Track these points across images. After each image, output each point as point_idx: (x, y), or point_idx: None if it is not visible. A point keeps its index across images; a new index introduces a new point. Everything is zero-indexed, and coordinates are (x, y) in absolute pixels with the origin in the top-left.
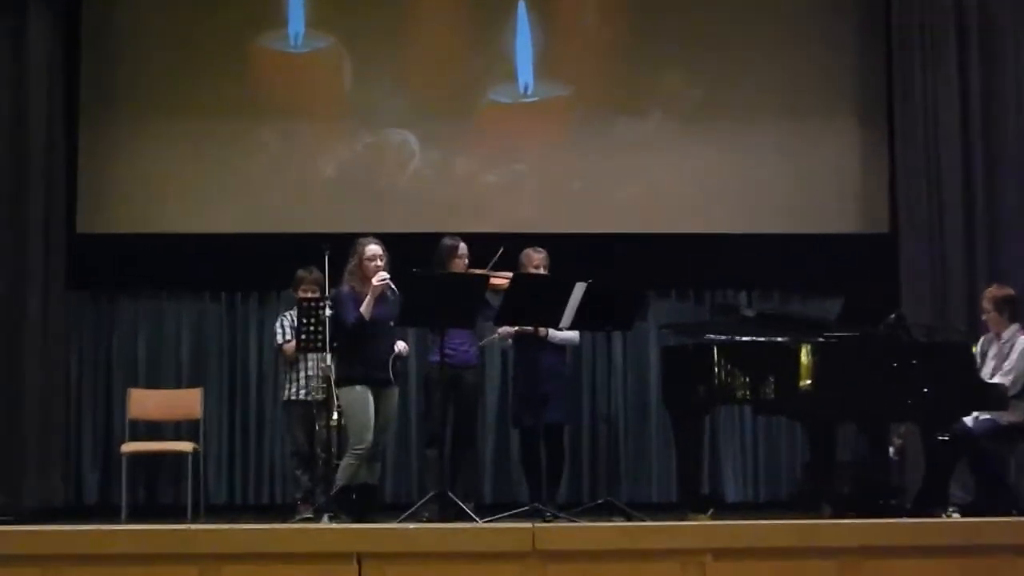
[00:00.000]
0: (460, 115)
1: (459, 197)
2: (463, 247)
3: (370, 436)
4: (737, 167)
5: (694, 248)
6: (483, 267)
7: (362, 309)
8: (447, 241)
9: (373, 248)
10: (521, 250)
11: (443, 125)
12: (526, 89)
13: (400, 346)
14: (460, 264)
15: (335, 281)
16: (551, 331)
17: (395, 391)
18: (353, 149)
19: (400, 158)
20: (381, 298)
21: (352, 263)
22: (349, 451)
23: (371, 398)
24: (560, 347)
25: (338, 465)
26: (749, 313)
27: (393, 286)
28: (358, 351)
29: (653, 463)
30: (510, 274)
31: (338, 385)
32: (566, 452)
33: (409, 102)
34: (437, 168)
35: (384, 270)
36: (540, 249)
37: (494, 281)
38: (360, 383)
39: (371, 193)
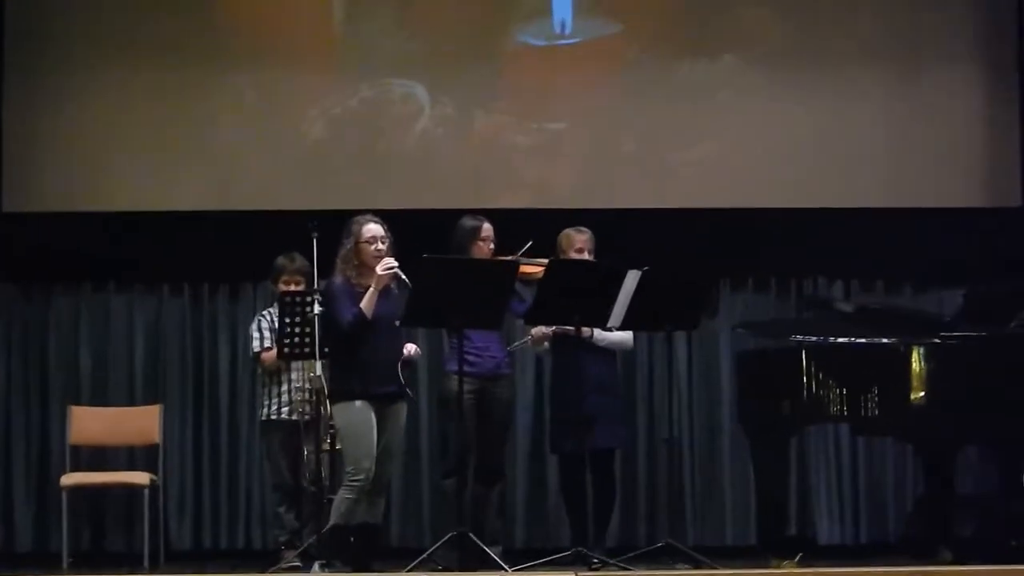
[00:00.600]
0: (480, 60)
1: (479, 164)
2: (488, 227)
3: (370, 464)
4: (830, 126)
5: (776, 227)
6: (510, 256)
7: (362, 305)
8: (467, 221)
9: (372, 228)
10: (559, 230)
11: (459, 73)
12: (563, 27)
13: (410, 349)
14: (484, 249)
15: (325, 271)
16: (597, 332)
17: (403, 407)
18: (346, 104)
19: (405, 115)
20: (385, 291)
21: (346, 248)
22: (345, 483)
23: (373, 417)
24: (609, 352)
25: (331, 500)
26: (846, 308)
27: (403, 276)
28: (357, 358)
29: (726, 496)
30: (545, 261)
31: (333, 400)
32: (617, 484)
33: (416, 44)
34: (451, 127)
35: (387, 255)
36: (583, 229)
37: (525, 269)
38: (360, 398)
39: (369, 160)
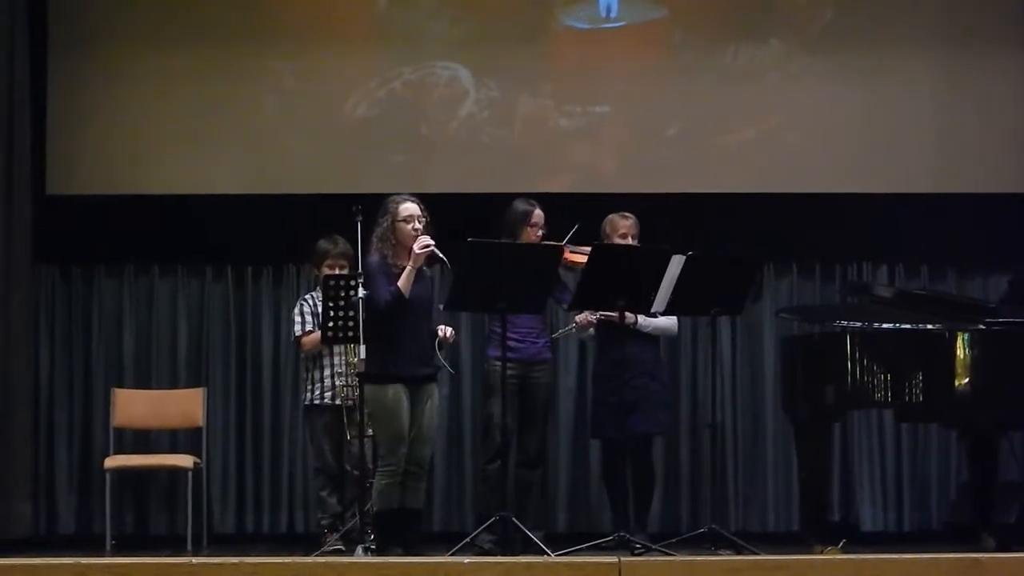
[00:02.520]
0: (525, 43)
1: (523, 147)
2: (539, 214)
3: (403, 448)
4: (876, 110)
5: (821, 212)
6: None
7: (400, 283)
8: (520, 204)
9: (410, 207)
10: (602, 214)
11: (503, 56)
12: (609, 10)
13: (445, 331)
14: (533, 235)
15: (369, 254)
16: (641, 318)
17: (435, 388)
18: (390, 87)
19: (450, 98)
20: (419, 273)
21: (383, 227)
22: (378, 468)
23: (407, 401)
24: (653, 339)
25: (373, 484)
26: (885, 293)
27: (442, 255)
28: (392, 340)
29: (769, 483)
30: (588, 248)
31: (367, 382)
32: (656, 470)
33: (461, 27)
34: (496, 111)
35: (426, 233)
36: (628, 215)
37: (569, 256)
38: (394, 381)
39: (413, 143)
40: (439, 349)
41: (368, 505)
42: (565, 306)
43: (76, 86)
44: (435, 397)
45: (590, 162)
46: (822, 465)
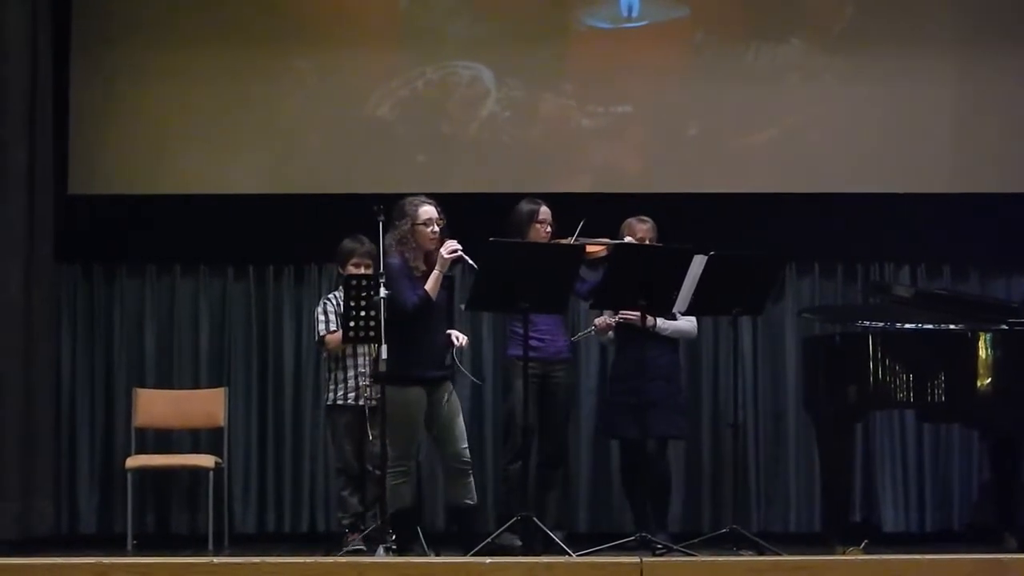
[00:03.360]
0: (547, 43)
1: (544, 147)
2: (545, 211)
3: (414, 450)
4: (897, 110)
5: (843, 212)
6: (566, 238)
7: (428, 287)
8: (524, 205)
9: (429, 210)
10: (623, 214)
11: (525, 56)
12: (630, 10)
13: (460, 339)
14: (541, 232)
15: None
16: (660, 321)
17: (449, 386)
18: (411, 87)
19: (471, 98)
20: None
21: (402, 229)
22: (390, 469)
23: (425, 402)
24: (671, 341)
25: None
26: (907, 293)
27: (468, 258)
28: (413, 342)
29: (791, 483)
30: (605, 240)
31: (388, 383)
32: (674, 472)
33: (482, 26)
34: (518, 110)
35: (441, 239)
36: (645, 219)
37: (589, 248)
38: (414, 383)
39: (434, 143)
40: (456, 357)
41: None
42: (582, 300)
43: (98, 85)
44: (452, 392)
45: (611, 162)
46: (844, 465)
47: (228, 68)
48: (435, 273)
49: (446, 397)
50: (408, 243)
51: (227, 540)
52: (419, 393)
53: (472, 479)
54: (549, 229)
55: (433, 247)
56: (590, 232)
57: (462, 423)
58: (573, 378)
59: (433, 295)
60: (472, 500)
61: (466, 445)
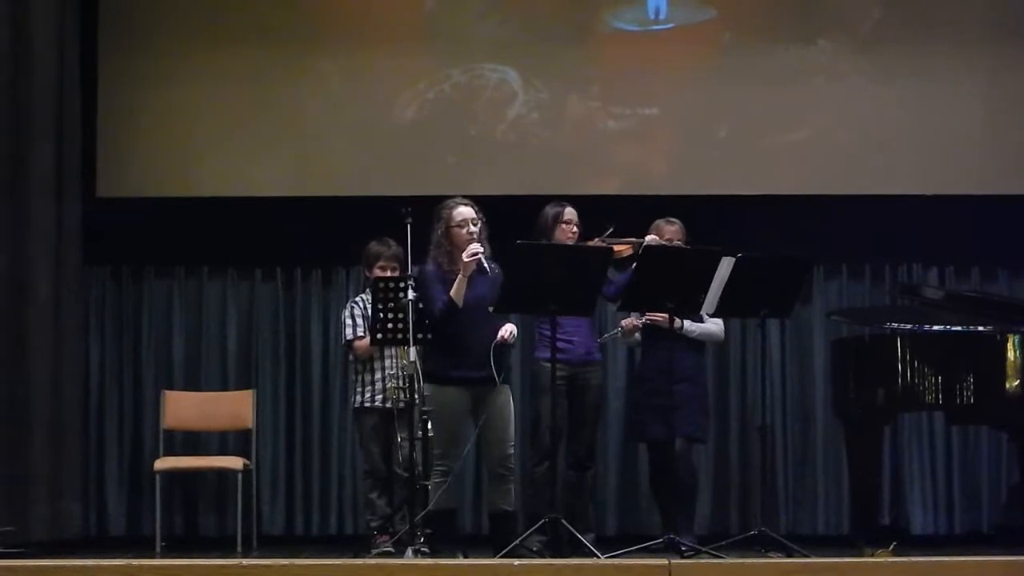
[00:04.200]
0: (574, 45)
1: (572, 149)
2: (570, 211)
3: (459, 451)
4: (926, 111)
5: (871, 213)
6: (593, 239)
7: (452, 293)
8: (550, 208)
9: (463, 211)
10: (651, 216)
11: (552, 58)
12: (658, 12)
13: (504, 332)
14: (567, 233)
15: (418, 257)
16: (687, 323)
17: (504, 389)
18: (438, 88)
19: (498, 100)
20: (476, 276)
21: (438, 232)
22: (435, 468)
23: (468, 403)
24: (698, 344)
25: (423, 487)
26: (935, 295)
27: (485, 263)
28: (452, 343)
29: (819, 485)
30: (633, 239)
31: (427, 380)
32: (701, 474)
33: (509, 28)
34: (545, 112)
35: (480, 239)
36: (673, 220)
37: (616, 249)
38: (454, 383)
39: (462, 145)
40: (496, 354)
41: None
42: (609, 301)
43: (126, 87)
44: (501, 400)
45: (639, 164)
46: (872, 467)
47: (255, 70)
48: (459, 279)
49: (498, 401)
50: (443, 246)
51: (255, 542)
52: (457, 393)
53: (512, 485)
54: (576, 230)
55: None
56: (618, 235)
57: (510, 427)
58: (601, 380)
59: (458, 300)
60: (509, 507)
61: (511, 451)
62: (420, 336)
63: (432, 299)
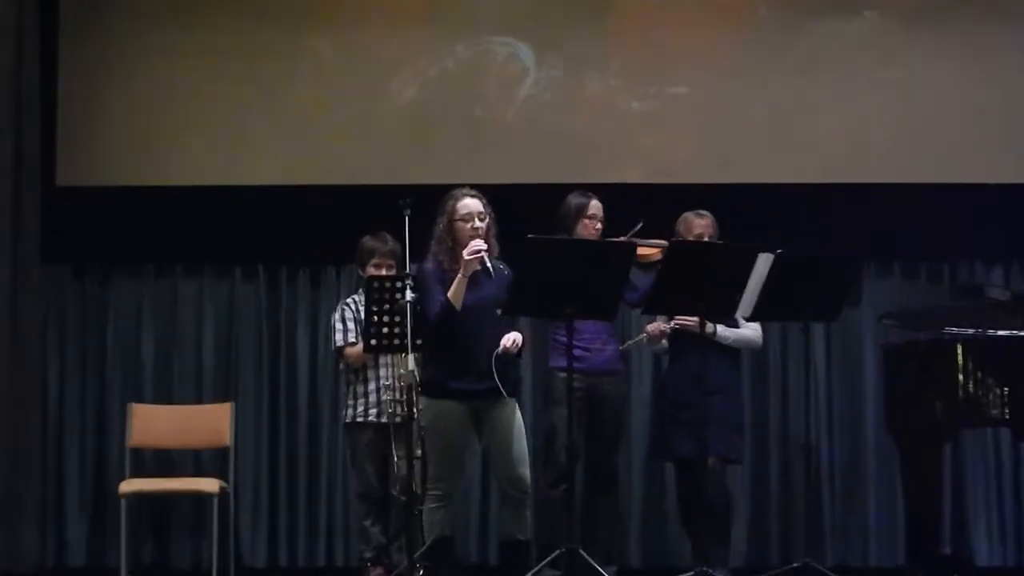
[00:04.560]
0: (593, 17)
1: (590, 133)
2: (596, 205)
3: (453, 471)
4: (985, 91)
5: (927, 205)
6: (617, 236)
7: (450, 294)
8: (574, 198)
9: (468, 204)
10: (678, 208)
11: (568, 32)
12: None
13: (510, 339)
14: (590, 229)
15: (418, 253)
16: (720, 328)
17: (510, 402)
18: (440, 65)
19: (507, 78)
20: (480, 276)
21: (440, 226)
22: (427, 491)
23: (467, 418)
24: (732, 352)
25: (422, 512)
26: (1000, 296)
27: (488, 263)
28: (451, 351)
29: (870, 510)
30: (662, 241)
31: (423, 393)
32: (736, 498)
33: None
34: (559, 92)
35: (487, 236)
36: (704, 213)
37: (640, 251)
38: (452, 396)
39: (466, 128)
40: (497, 364)
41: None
42: (633, 308)
43: (89, 65)
44: (506, 415)
45: (664, 150)
46: (931, 491)
47: (236, 46)
48: (458, 279)
49: (507, 415)
50: (444, 242)
51: (233, 573)
52: (454, 407)
53: (527, 511)
54: (600, 226)
55: None
56: (643, 234)
57: (522, 444)
58: (624, 392)
59: (456, 303)
60: (523, 535)
61: (526, 471)
62: (419, 341)
63: (429, 300)
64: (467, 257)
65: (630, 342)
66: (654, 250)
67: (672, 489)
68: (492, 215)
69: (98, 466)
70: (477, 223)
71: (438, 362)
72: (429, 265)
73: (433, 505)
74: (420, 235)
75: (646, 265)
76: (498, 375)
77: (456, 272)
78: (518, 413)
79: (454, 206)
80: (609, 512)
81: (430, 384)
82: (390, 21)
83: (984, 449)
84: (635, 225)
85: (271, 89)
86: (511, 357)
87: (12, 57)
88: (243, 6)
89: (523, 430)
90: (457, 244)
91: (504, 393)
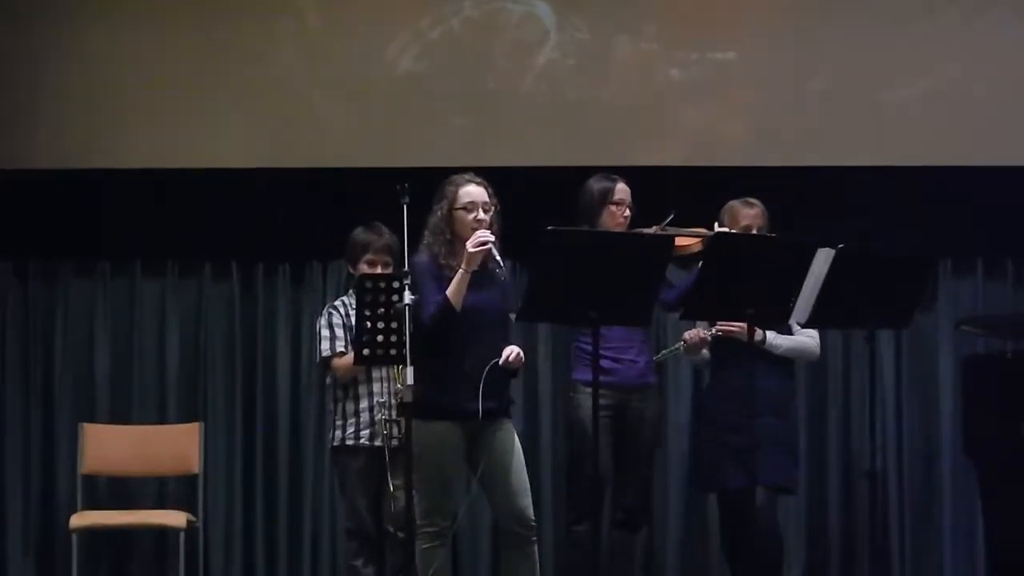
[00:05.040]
0: None
1: (620, 107)
2: (623, 188)
3: (454, 508)
4: None
5: (1015, 190)
6: (649, 225)
7: (449, 292)
8: (596, 182)
9: (471, 191)
10: (725, 194)
11: None
12: None
13: (513, 351)
14: (617, 216)
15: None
16: (771, 335)
17: (507, 424)
18: (446, 26)
19: (523, 42)
20: (483, 275)
21: (437, 214)
22: (420, 529)
23: (462, 442)
24: (785, 363)
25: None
26: None
27: (498, 256)
28: (444, 363)
29: (945, 545)
30: (702, 231)
31: (414, 415)
32: (781, 532)
33: None
34: (584, 58)
35: (491, 227)
36: (753, 201)
37: (679, 241)
38: (445, 417)
39: (476, 101)
40: (489, 379)
41: None
42: (668, 305)
43: (33, 27)
44: (508, 438)
45: (708, 126)
46: (1016, 522)
47: (207, 6)
48: (459, 274)
49: (505, 440)
50: (442, 233)
51: None
52: (450, 430)
53: (536, 548)
54: (628, 213)
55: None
56: (681, 222)
57: (523, 472)
58: (659, 411)
59: (455, 302)
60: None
61: (529, 502)
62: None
63: (422, 299)
64: (471, 249)
65: (665, 352)
66: (693, 240)
67: (714, 524)
68: (497, 206)
69: (45, 497)
70: (481, 214)
71: (430, 376)
72: (423, 257)
73: (428, 545)
74: (421, 227)
75: (684, 259)
76: (491, 391)
77: (452, 268)
78: (516, 438)
79: (455, 193)
80: (641, 549)
81: (421, 403)
82: None
83: None
84: (666, 216)
85: (246, 56)
86: (508, 373)
87: None
88: None
89: (523, 457)
90: (456, 237)
91: (507, 412)
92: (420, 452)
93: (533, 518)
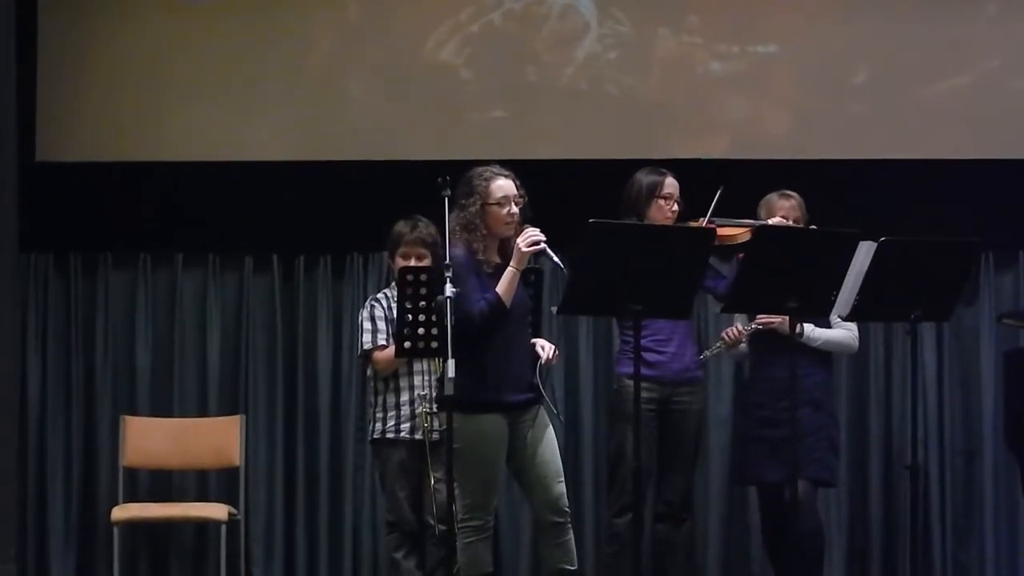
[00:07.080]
0: None
1: (661, 100)
2: (671, 182)
3: (494, 500)
4: None
5: None
6: (696, 219)
7: (500, 290)
8: (644, 176)
9: (504, 185)
10: (765, 187)
11: None
12: None
13: (551, 349)
14: (665, 211)
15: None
16: (808, 327)
17: (543, 415)
18: (485, 20)
19: (564, 35)
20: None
21: (470, 211)
22: (461, 524)
23: (507, 435)
24: (823, 356)
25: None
26: None
27: (553, 254)
28: (486, 358)
29: (987, 541)
30: (748, 221)
31: (456, 409)
32: (823, 528)
33: None
34: (626, 51)
35: (523, 219)
36: (790, 194)
37: (722, 232)
38: (490, 410)
39: (516, 94)
40: (540, 376)
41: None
42: (717, 294)
43: (76, 24)
44: (545, 420)
45: (750, 119)
46: None
47: (243, 2)
48: (509, 271)
49: (539, 429)
50: (476, 229)
51: None
52: (497, 422)
53: (571, 535)
54: (676, 208)
55: (509, 234)
56: (725, 212)
57: (557, 459)
58: (702, 405)
59: (507, 299)
60: (572, 564)
61: (563, 489)
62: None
63: (467, 295)
64: (524, 249)
65: (707, 352)
66: (739, 230)
67: (755, 517)
68: (526, 198)
69: (86, 490)
70: (513, 208)
71: (475, 370)
72: (459, 252)
73: (471, 539)
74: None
75: (729, 249)
76: (527, 383)
77: (488, 263)
78: (548, 423)
79: (487, 188)
80: (684, 544)
81: (471, 398)
82: None
83: None
84: (715, 195)
85: (288, 49)
86: (547, 370)
87: None
88: None
89: (556, 443)
90: (490, 233)
91: (555, 410)
92: (463, 447)
93: (567, 505)
